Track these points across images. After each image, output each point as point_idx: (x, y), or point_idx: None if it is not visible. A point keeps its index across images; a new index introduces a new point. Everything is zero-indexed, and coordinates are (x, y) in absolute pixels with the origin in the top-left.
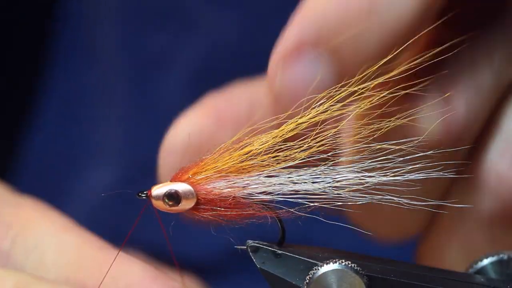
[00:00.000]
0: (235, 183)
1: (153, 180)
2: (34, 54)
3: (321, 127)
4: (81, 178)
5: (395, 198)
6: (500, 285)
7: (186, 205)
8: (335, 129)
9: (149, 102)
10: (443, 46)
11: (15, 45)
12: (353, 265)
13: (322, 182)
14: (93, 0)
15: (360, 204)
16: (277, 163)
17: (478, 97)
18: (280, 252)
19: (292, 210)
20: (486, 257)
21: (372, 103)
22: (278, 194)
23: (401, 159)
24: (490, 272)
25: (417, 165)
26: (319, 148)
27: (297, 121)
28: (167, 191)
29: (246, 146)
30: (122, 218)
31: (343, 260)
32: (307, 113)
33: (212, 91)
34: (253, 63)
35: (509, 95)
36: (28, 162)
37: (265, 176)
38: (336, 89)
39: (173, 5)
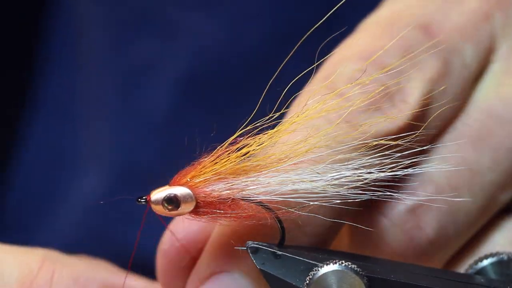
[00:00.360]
0: (233, 184)
1: (141, 184)
2: (22, 61)
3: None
4: (72, 184)
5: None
6: (500, 286)
7: (185, 208)
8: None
9: (137, 108)
10: None
11: (2, 52)
12: (353, 266)
13: (321, 181)
14: (82, 6)
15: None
16: (275, 163)
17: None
18: (280, 253)
19: (291, 210)
20: (486, 258)
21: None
22: (277, 194)
23: (399, 154)
24: (490, 272)
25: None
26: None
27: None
28: (166, 196)
29: (244, 147)
30: (112, 222)
31: (343, 261)
32: (303, 112)
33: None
34: (237, 68)
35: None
36: (19, 169)
37: (264, 177)
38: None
39: (158, 12)
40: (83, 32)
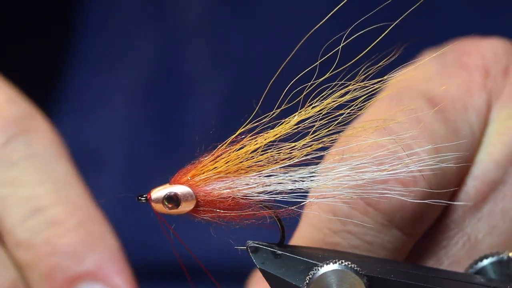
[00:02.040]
0: (234, 183)
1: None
2: (56, 56)
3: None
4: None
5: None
6: (500, 286)
7: (185, 207)
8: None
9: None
10: None
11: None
12: (353, 265)
13: (321, 180)
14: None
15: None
16: (275, 163)
17: None
18: (280, 252)
19: (292, 208)
20: (486, 258)
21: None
22: (277, 194)
23: (398, 154)
24: (490, 272)
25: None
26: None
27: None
28: (166, 194)
29: (244, 146)
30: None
31: (343, 261)
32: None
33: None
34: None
35: None
36: None
37: (264, 176)
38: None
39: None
40: (121, 30)
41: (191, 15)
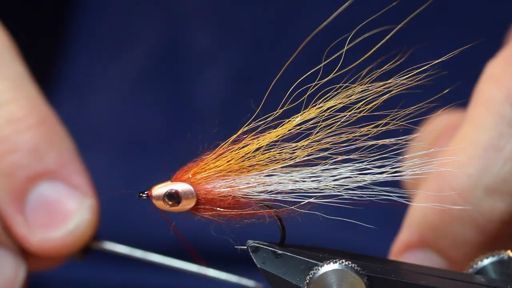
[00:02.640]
0: (235, 182)
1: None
2: (51, 36)
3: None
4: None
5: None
6: (501, 285)
7: (186, 204)
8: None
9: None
10: None
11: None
12: (353, 265)
13: (323, 181)
14: None
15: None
16: (276, 162)
17: None
18: (280, 252)
19: (292, 207)
20: (487, 257)
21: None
22: (278, 193)
23: (400, 157)
24: (490, 272)
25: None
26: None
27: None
28: (167, 191)
29: (246, 145)
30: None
31: (344, 260)
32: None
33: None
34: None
35: None
36: None
37: (265, 176)
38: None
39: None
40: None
41: None
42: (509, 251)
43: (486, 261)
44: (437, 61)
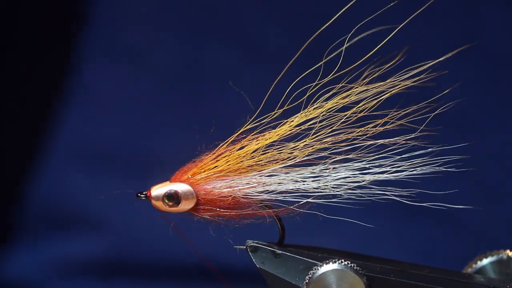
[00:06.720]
0: (234, 182)
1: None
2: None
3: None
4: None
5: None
6: (500, 285)
7: (186, 205)
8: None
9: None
10: None
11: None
12: (352, 265)
13: (322, 181)
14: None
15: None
16: (276, 162)
17: None
18: (279, 252)
19: (291, 207)
20: (486, 257)
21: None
22: (278, 193)
23: (399, 157)
24: (489, 272)
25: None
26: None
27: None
28: (166, 192)
29: (246, 145)
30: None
31: (343, 260)
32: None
33: None
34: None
35: None
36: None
37: (266, 176)
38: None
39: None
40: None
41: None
42: (508, 251)
43: (486, 261)
44: (437, 61)
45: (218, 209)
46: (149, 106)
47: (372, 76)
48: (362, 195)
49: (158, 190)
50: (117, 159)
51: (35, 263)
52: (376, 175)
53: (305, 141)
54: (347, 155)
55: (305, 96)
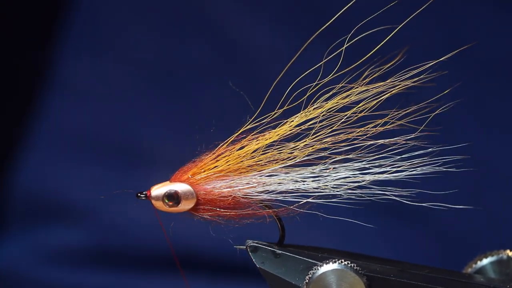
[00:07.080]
0: (234, 182)
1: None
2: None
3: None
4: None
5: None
6: (500, 285)
7: (186, 205)
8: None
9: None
10: None
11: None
12: (352, 264)
13: (322, 181)
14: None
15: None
16: (276, 162)
17: None
18: (279, 252)
19: (291, 207)
20: (486, 257)
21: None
22: (278, 193)
23: (399, 157)
24: (489, 272)
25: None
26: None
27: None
28: (166, 192)
29: (246, 145)
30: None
31: (343, 260)
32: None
33: None
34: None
35: None
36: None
37: (266, 176)
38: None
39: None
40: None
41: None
42: (508, 251)
43: (486, 261)
44: (437, 60)
45: (218, 209)
46: (130, 98)
47: (372, 76)
48: (362, 195)
49: (158, 190)
50: (100, 149)
51: (20, 252)
52: (376, 175)
53: (305, 141)
54: (347, 155)
55: (305, 96)
